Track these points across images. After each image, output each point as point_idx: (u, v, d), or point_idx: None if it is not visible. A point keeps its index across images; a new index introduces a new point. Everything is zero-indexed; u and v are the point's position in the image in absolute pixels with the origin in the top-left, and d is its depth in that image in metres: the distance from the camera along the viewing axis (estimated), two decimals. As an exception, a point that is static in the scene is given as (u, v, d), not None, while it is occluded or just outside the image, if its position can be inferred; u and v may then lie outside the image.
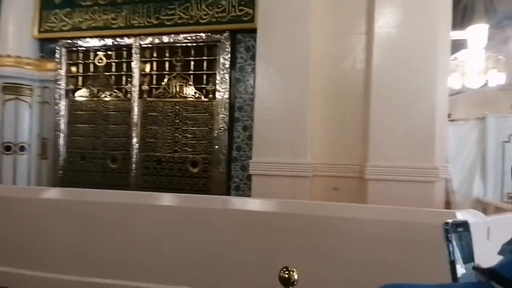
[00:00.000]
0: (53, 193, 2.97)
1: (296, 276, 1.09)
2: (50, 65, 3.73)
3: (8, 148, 3.54)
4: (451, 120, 3.65)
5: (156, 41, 3.48)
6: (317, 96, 3.00)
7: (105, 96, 3.65)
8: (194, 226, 2.39)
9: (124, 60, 3.60)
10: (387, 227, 2.11)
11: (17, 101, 3.58)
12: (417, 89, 2.66)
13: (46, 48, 3.78)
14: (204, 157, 3.42)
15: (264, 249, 2.19)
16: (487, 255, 1.38)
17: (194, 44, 3.42)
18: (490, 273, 0.33)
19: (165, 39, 3.46)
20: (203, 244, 2.35)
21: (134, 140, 3.54)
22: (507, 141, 3.63)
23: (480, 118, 3.61)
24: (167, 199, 2.65)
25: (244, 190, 3.26)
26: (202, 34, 3.36)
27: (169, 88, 3.49)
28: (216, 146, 3.36)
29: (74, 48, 3.72)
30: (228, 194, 3.30)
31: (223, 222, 2.34)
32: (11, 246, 2.65)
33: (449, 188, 3.50)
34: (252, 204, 2.53)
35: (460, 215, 2.11)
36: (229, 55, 3.29)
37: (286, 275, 1.08)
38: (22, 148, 3.63)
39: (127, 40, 3.54)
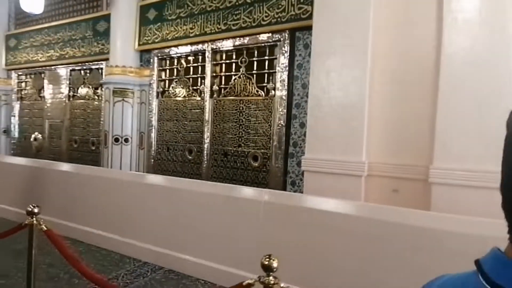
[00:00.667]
0: (148, 178, 3.65)
1: (275, 264, 1.17)
2: (146, 72, 4.52)
3: (116, 140, 4.48)
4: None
5: (224, 45, 3.83)
6: (378, 91, 2.82)
7: (185, 96, 4.22)
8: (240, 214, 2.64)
9: (199, 64, 4.08)
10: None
11: (123, 102, 4.47)
12: (495, 83, 2.23)
13: (144, 57, 4.59)
14: (264, 152, 3.62)
15: (295, 242, 2.26)
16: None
17: (257, 45, 3.63)
18: (476, 264, 0.42)
19: (232, 42, 3.77)
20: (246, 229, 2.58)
21: (206, 134, 4.00)
22: None
23: None
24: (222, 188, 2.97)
25: (300, 185, 3.32)
26: (264, 35, 3.54)
27: (235, 88, 3.81)
28: (275, 142, 3.51)
29: (163, 56, 4.41)
30: (284, 188, 3.42)
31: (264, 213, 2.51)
32: (116, 217, 3.40)
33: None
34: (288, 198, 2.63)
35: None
36: (288, 54, 3.38)
37: (267, 262, 1.18)
38: (126, 140, 4.53)
39: (201, 46, 4.00)
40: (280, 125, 3.46)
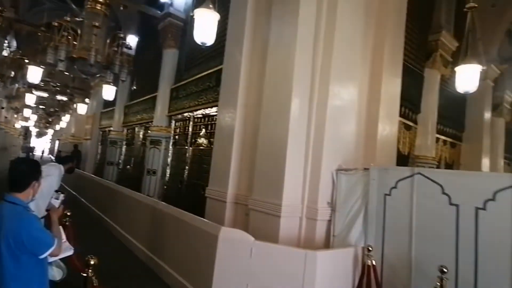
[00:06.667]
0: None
1: (92, 262, 3.05)
2: (169, 129, 7.02)
3: (148, 172, 7.01)
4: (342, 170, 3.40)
5: (198, 113, 5.92)
6: (248, 137, 4.25)
7: (182, 145, 6.43)
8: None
9: (187, 125, 6.28)
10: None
11: (155, 149, 7.04)
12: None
13: (170, 120, 7.14)
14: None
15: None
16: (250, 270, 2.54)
17: (209, 115, 5.56)
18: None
19: (201, 112, 5.82)
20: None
21: (186, 170, 6.00)
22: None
23: (366, 169, 3.06)
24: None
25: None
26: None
27: (192, 136, 5.76)
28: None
29: (178, 119, 6.84)
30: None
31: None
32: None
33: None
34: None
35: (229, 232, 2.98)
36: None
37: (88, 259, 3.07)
38: (154, 172, 7.00)
39: (188, 114, 6.22)
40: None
